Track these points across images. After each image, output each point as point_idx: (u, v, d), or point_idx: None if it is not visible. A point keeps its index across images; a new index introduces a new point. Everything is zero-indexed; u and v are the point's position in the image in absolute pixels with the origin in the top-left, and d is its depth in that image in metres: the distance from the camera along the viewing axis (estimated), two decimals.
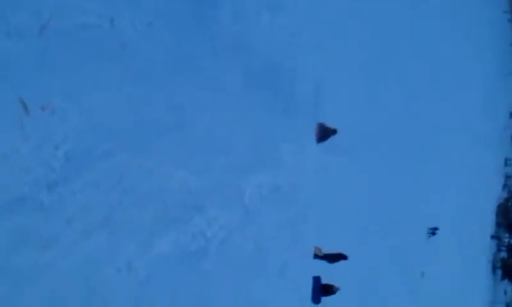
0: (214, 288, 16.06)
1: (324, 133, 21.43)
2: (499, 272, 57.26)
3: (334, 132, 21.38)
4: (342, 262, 21.44)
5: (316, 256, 21.14)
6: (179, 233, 14.91)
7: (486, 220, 50.01)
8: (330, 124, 21.27)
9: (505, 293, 57.30)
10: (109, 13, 13.08)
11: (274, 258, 18.78)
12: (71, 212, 12.00)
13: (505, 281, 57.95)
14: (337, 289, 21.11)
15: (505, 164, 57.61)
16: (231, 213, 16.87)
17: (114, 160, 13.07)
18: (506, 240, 59.76)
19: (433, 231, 33.50)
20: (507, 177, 58.24)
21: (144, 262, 13.74)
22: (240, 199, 17.39)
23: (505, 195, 57.84)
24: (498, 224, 56.41)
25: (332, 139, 21.42)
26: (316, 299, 21.24)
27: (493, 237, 54.65)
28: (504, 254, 58.90)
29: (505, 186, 57.86)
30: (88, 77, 12.57)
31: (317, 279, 21.25)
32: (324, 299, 21.35)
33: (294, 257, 19.72)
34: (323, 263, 21.28)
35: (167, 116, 14.74)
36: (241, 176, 17.49)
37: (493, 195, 52.63)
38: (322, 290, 21.31)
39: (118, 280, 13.08)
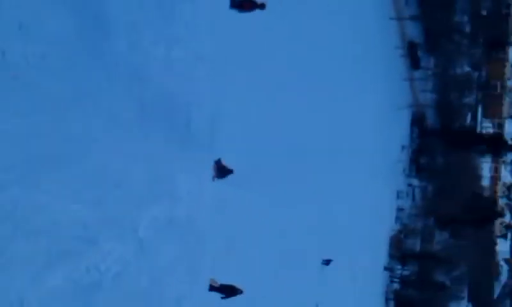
0: None
1: (221, 171, 21.63)
2: (392, 303, 58.49)
3: (231, 171, 21.62)
4: (238, 297, 21.48)
5: (212, 288, 21.15)
6: (72, 266, 14.69)
7: (379, 252, 51.02)
8: (226, 158, 21.44)
9: None
10: (0, 45, 12.88)
11: (169, 292, 18.70)
12: None
13: None
14: None
15: (398, 197, 59.10)
16: (125, 247, 16.72)
17: (6, 193, 12.81)
18: (399, 271, 61.13)
19: (327, 263, 34.05)
20: (400, 210, 59.73)
21: (37, 296, 13.46)
22: (135, 232, 17.28)
23: (398, 227, 59.26)
24: (391, 256, 57.67)
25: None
26: None
27: (386, 269, 55.84)
28: (396, 286, 60.24)
29: (397, 218, 59.31)
30: None
31: None
32: None
33: (189, 290, 19.68)
34: (218, 297, 21.26)
35: (60, 148, 14.53)
36: (136, 208, 17.39)
37: (386, 227, 53.76)
38: None
39: None
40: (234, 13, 22.67)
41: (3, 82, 13.05)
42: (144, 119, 17.82)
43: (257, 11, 22.57)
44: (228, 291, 21.45)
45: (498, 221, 73.14)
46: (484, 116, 74.56)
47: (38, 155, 13.87)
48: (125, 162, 16.91)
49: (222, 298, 21.32)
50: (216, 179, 21.55)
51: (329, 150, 33.44)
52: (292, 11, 28.87)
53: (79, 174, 15.17)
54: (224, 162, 21.55)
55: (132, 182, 17.23)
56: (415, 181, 64.98)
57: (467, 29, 66.11)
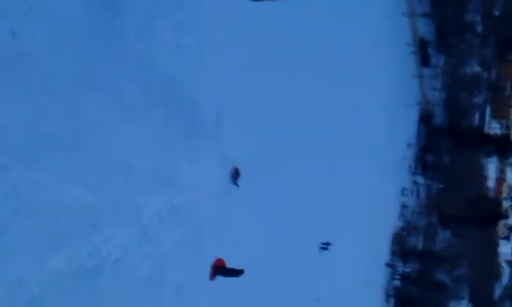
0: None
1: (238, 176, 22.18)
2: (392, 300, 58.49)
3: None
4: (238, 289, 21.49)
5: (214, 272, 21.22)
6: (74, 250, 14.65)
7: (381, 248, 51.00)
8: (230, 147, 21.49)
9: None
10: (11, 25, 12.83)
11: (170, 278, 18.68)
12: None
13: None
14: None
15: (402, 194, 59.02)
16: (128, 232, 16.69)
17: (9, 174, 12.75)
18: (400, 268, 61.08)
19: (325, 246, 33.98)
20: (404, 206, 59.66)
21: (37, 279, 13.42)
22: (138, 218, 17.25)
23: (401, 224, 59.20)
24: (393, 253, 57.64)
25: (232, 161, 21.65)
26: None
27: (387, 265, 55.80)
28: (397, 283, 60.21)
29: (401, 215, 59.25)
30: None
31: None
32: None
33: (190, 278, 19.66)
34: (219, 285, 21.26)
35: (65, 131, 14.48)
36: (140, 194, 17.36)
37: (389, 223, 53.70)
38: None
39: (9, 296, 12.75)
40: (245, 0, 22.60)
41: (11, 62, 13.02)
42: (151, 105, 17.77)
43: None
44: (229, 272, 21.48)
45: (501, 223, 72.95)
46: (492, 116, 74.28)
47: (42, 136, 13.82)
48: (129, 147, 16.87)
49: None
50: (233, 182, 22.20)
51: (336, 144, 33.37)
52: (303, 3, 28.77)
53: (83, 157, 15.13)
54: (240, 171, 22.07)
55: (136, 168, 17.19)
56: (420, 179, 64.84)
57: (479, 28, 65.80)
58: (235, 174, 23.04)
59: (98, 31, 15.70)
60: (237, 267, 21.40)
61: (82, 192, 15.00)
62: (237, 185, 23.04)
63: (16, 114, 12.99)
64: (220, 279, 21.47)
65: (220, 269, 21.40)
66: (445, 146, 65.92)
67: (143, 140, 17.47)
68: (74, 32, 14.78)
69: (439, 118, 67.31)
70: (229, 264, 21.36)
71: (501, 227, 73.77)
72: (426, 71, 62.31)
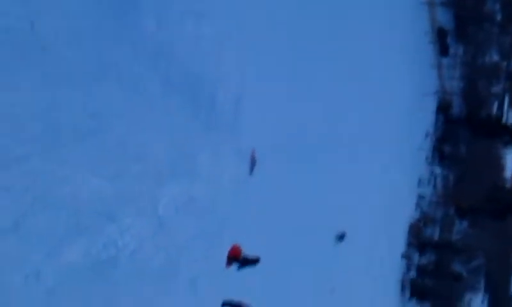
0: (123, 299, 15.82)
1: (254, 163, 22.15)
2: (407, 291, 58.32)
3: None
4: (253, 281, 21.43)
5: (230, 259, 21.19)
6: (90, 241, 14.66)
7: (397, 240, 50.80)
8: (248, 139, 21.43)
9: None
10: (30, 16, 12.82)
11: (185, 271, 18.66)
12: None
13: (413, 301, 59.05)
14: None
15: (419, 185, 58.72)
16: (144, 224, 16.67)
17: (27, 165, 12.77)
18: (416, 260, 60.87)
19: (341, 237, 33.88)
20: (420, 197, 59.37)
21: (53, 270, 13.43)
22: (154, 209, 17.23)
23: (417, 215, 58.93)
24: (409, 244, 57.40)
25: (248, 151, 21.62)
26: None
27: (403, 257, 55.60)
28: (413, 274, 60.02)
29: (417, 206, 58.97)
30: (4, 79, 12.28)
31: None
32: None
33: (205, 270, 19.62)
34: (233, 277, 21.21)
35: (83, 122, 14.50)
36: (156, 185, 17.33)
37: (406, 215, 53.47)
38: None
39: (25, 287, 12.77)
40: None
41: (31, 53, 13.02)
42: (169, 95, 17.74)
43: None
44: (245, 261, 21.45)
45: None
46: (511, 106, 73.72)
47: (60, 127, 13.85)
48: (147, 137, 16.86)
49: (238, 268, 21.35)
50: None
51: (353, 134, 33.22)
52: None
53: (100, 147, 15.13)
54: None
55: (153, 159, 17.17)
56: (437, 170, 64.54)
57: (498, 17, 65.28)
58: (252, 162, 22.99)
59: (117, 21, 15.68)
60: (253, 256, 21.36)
61: (99, 183, 15.01)
62: (251, 172, 22.97)
63: (34, 105, 13.01)
64: (234, 271, 21.40)
65: (236, 257, 21.34)
66: (462, 136, 65.57)
67: (161, 130, 17.45)
68: (93, 22, 14.76)
69: (457, 108, 66.92)
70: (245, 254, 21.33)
71: None
72: (445, 60, 61.92)
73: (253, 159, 22.79)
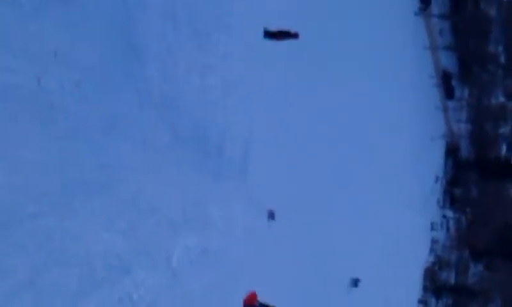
0: None
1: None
2: None
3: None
4: None
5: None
6: (105, 295, 14.56)
7: (413, 284, 50.42)
8: (258, 187, 21.44)
9: None
10: (36, 72, 12.91)
11: None
12: None
13: None
14: None
15: (432, 228, 58.48)
16: (158, 276, 16.58)
17: (40, 221, 12.75)
18: (433, 305, 60.33)
19: (355, 283, 33.66)
20: (434, 241, 59.09)
21: None
22: (168, 262, 17.16)
23: (431, 259, 58.57)
24: (425, 288, 56.97)
25: (260, 202, 21.58)
26: None
27: (420, 302, 55.13)
28: None
29: (431, 250, 58.65)
30: (14, 136, 12.33)
31: None
32: None
33: None
34: None
35: (94, 176, 14.50)
36: (169, 237, 17.29)
37: (420, 259, 53.17)
38: None
39: None
40: (268, 42, 22.67)
41: (39, 109, 13.08)
42: (177, 147, 17.77)
43: (291, 40, 22.57)
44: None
45: None
46: None
47: (71, 182, 13.84)
48: (157, 190, 16.84)
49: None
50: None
51: (364, 180, 33.22)
52: (324, 41, 28.82)
53: (112, 202, 15.11)
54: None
55: (165, 211, 17.15)
56: (449, 213, 64.31)
57: (502, 59, 65.60)
58: (271, 215, 23.19)
59: (123, 74, 15.77)
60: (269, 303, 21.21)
61: (112, 237, 14.96)
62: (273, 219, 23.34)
63: (45, 162, 13.03)
64: None
65: (252, 304, 21.16)
66: (472, 178, 65.43)
67: (171, 182, 17.45)
68: (99, 76, 14.84)
69: (465, 150, 66.92)
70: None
71: None
72: (451, 103, 62.09)
73: (270, 213, 22.94)
